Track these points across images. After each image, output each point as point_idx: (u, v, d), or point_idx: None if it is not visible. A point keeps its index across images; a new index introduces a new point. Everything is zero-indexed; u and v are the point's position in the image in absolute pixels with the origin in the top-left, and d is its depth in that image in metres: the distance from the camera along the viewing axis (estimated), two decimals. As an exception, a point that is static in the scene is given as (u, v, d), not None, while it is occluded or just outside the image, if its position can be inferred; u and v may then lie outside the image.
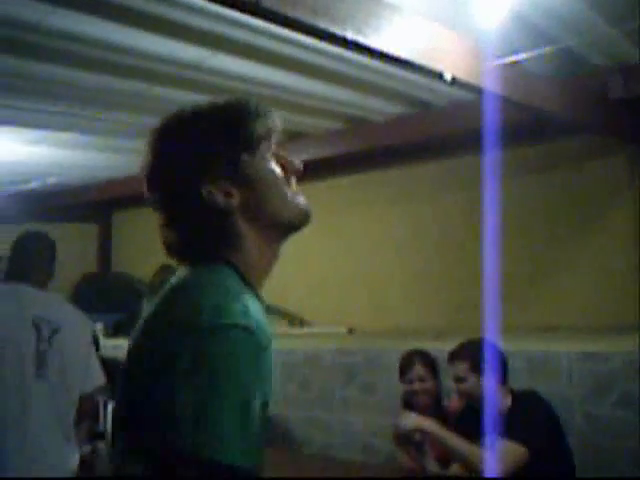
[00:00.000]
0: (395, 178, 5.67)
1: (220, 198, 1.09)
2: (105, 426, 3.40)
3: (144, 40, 3.15)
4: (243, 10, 2.06)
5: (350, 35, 2.23)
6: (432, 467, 3.32)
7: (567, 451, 3.11)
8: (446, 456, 3.22)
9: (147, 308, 1.12)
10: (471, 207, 4.80)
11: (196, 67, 3.52)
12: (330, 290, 5.87)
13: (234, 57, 3.44)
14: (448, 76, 2.67)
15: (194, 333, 0.97)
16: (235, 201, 1.10)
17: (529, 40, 3.33)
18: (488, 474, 2.83)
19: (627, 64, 4.03)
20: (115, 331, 5.88)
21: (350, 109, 4.63)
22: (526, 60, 3.39)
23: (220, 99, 1.16)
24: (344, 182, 5.92)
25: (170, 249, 1.15)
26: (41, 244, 2.95)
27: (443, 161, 5.39)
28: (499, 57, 3.11)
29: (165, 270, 6.92)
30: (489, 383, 3.08)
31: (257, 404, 0.98)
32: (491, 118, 2.86)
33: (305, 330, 5.94)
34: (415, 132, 4.76)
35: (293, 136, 5.15)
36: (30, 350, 2.67)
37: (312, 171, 5.49)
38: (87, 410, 2.97)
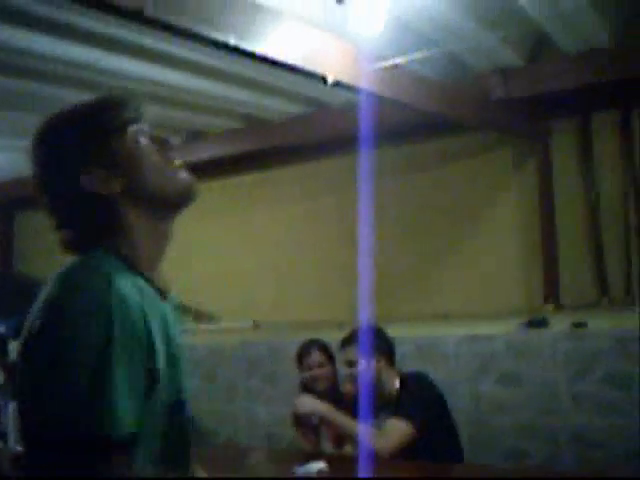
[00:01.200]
0: (296, 175, 5.83)
1: (99, 187, 1.15)
2: (6, 426, 3.40)
3: (38, 42, 3.18)
4: (127, 17, 2.15)
5: (233, 41, 2.36)
6: (328, 448, 3.50)
7: (452, 427, 3.34)
8: (340, 437, 3.41)
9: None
10: (365, 203, 5.00)
11: (90, 67, 3.56)
12: (236, 285, 5.96)
13: (128, 58, 3.50)
14: (330, 79, 2.84)
15: (48, 315, 1.05)
16: (115, 187, 1.16)
17: (412, 44, 3.53)
18: (379, 450, 3.02)
19: (507, 67, 4.32)
20: (16, 334, 5.80)
21: (249, 109, 4.75)
22: (411, 63, 3.59)
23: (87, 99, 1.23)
24: (247, 180, 6.04)
25: (64, 247, 1.21)
26: None
27: (340, 158, 5.58)
28: (383, 60, 3.30)
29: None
30: (377, 366, 3.28)
31: (134, 371, 1.03)
32: (371, 119, 3.05)
33: (211, 326, 6.02)
34: (312, 131, 4.92)
35: (194, 136, 5.24)
36: None
37: (216, 169, 5.63)
38: None
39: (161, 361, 1.13)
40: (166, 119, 4.78)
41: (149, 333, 1.10)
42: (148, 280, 1.18)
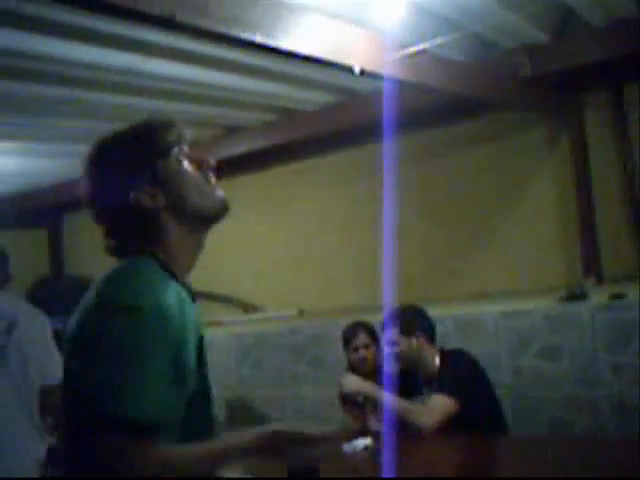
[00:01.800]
0: (330, 163, 5.92)
1: (146, 201, 1.31)
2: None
3: (77, 50, 3.33)
4: (160, 24, 2.28)
5: (259, 39, 2.47)
6: (374, 425, 3.61)
7: (494, 401, 3.41)
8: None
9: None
10: (406, 187, 5.08)
11: (130, 72, 3.71)
12: (280, 275, 6.09)
13: (165, 61, 3.64)
14: (357, 69, 2.93)
15: (101, 314, 1.20)
16: (160, 201, 1.32)
17: (435, 28, 3.60)
18: (423, 426, 3.11)
19: (533, 44, 4.34)
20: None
21: (280, 101, 4.86)
22: (436, 47, 3.66)
23: (134, 123, 1.40)
24: (284, 170, 6.16)
25: (111, 253, 1.37)
26: None
27: (373, 144, 5.63)
28: (407, 46, 3.37)
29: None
30: (418, 345, 3.38)
31: (161, 366, 1.17)
32: (399, 104, 3.13)
33: (258, 315, 6.17)
34: (343, 119, 5.00)
35: (229, 130, 5.37)
36: None
37: (253, 162, 5.76)
38: (50, 402, 3.14)
39: (192, 359, 1.28)
40: (203, 116, 4.93)
41: (182, 333, 1.25)
42: (183, 284, 1.34)
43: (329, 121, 5.14)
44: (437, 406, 3.20)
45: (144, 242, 1.33)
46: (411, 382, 3.44)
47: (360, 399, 3.46)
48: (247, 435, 1.25)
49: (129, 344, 1.16)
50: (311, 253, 6.07)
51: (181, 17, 2.17)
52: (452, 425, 3.17)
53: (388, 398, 3.25)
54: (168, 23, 2.20)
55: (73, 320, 1.28)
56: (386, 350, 3.48)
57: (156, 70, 3.79)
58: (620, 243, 5.14)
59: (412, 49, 3.24)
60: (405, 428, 3.23)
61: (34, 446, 2.98)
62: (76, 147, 5.17)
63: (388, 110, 3.54)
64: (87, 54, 3.33)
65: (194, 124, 5.10)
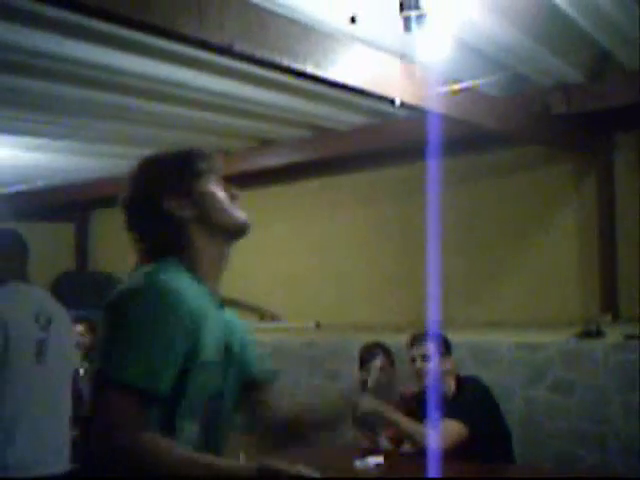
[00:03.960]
0: (360, 182, 6.03)
1: (178, 211, 1.50)
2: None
3: (134, 61, 3.46)
4: (218, 52, 2.40)
5: (310, 70, 2.59)
6: (386, 445, 3.70)
7: (505, 430, 3.49)
8: (398, 436, 3.60)
9: None
10: (430, 211, 5.16)
11: (165, 81, 3.83)
12: (299, 287, 6.19)
13: (204, 74, 3.75)
14: (397, 101, 3.05)
15: (122, 293, 1.39)
16: (189, 213, 1.51)
17: (477, 65, 3.70)
18: (432, 450, 3.20)
19: (569, 84, 4.43)
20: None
21: (315, 119, 4.97)
22: (478, 84, 3.76)
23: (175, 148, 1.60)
24: (313, 185, 6.27)
25: (140, 256, 1.54)
26: (14, 242, 3.14)
27: (401, 168, 5.75)
28: (449, 82, 3.48)
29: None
30: (438, 367, 3.46)
31: (165, 344, 1.33)
32: (434, 134, 3.24)
33: (276, 324, 6.27)
34: (375, 141, 5.11)
35: (264, 143, 5.50)
36: (32, 339, 2.97)
37: (283, 175, 5.87)
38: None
39: (208, 354, 1.44)
40: (239, 128, 5.05)
41: (197, 327, 1.41)
42: (206, 289, 1.52)
43: (360, 141, 5.24)
44: (449, 431, 3.28)
45: (172, 247, 1.50)
46: (425, 404, 3.51)
47: (373, 420, 3.54)
48: (246, 467, 1.31)
49: (136, 320, 1.35)
50: (333, 268, 6.17)
51: (239, 47, 2.29)
52: (461, 451, 3.25)
53: (402, 420, 3.34)
54: (226, 51, 2.32)
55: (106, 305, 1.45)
56: (417, 365, 3.49)
57: (193, 81, 3.89)
58: (638, 284, 5.21)
59: (455, 86, 3.35)
60: (417, 450, 3.32)
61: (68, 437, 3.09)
62: (108, 148, 5.35)
63: (422, 136, 3.66)
64: (141, 65, 3.46)
65: (230, 135, 5.24)
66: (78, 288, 6.83)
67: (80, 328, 4.59)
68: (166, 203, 1.49)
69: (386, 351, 3.92)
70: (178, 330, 1.36)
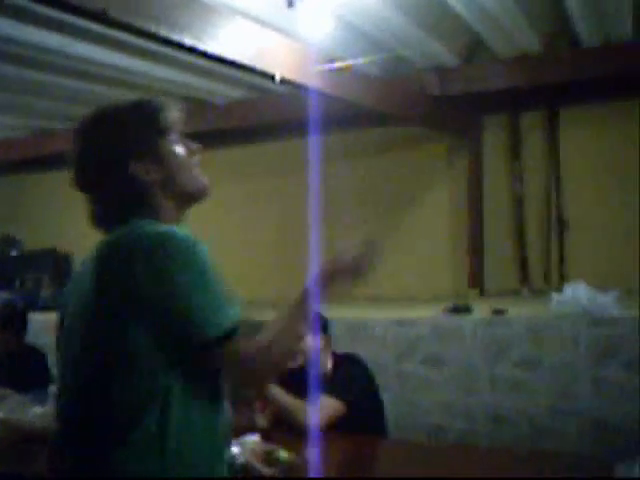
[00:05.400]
0: (235, 157, 5.96)
1: (143, 174, 1.36)
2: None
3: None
4: (92, 19, 2.26)
5: (188, 41, 2.49)
6: (261, 422, 3.69)
7: (380, 405, 3.56)
8: (274, 412, 3.60)
9: (83, 265, 1.35)
10: (303, 188, 5.17)
11: (55, 52, 3.63)
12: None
13: (89, 44, 3.58)
14: (277, 77, 3.00)
15: (161, 252, 1.24)
16: (154, 176, 1.37)
17: (357, 44, 3.72)
18: (310, 426, 3.22)
19: (443, 66, 4.55)
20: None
21: (192, 91, 4.84)
22: (359, 63, 3.78)
23: (134, 98, 1.43)
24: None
25: (97, 221, 1.39)
26: None
27: (282, 143, 5.73)
28: (330, 60, 3.47)
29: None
30: (315, 345, 3.47)
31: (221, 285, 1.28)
32: (314, 110, 3.22)
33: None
34: (254, 116, 5.08)
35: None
36: None
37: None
38: None
39: None
40: (111, 97, 4.83)
41: None
42: None
43: (238, 116, 5.17)
44: (326, 408, 3.30)
45: (135, 212, 1.36)
46: (303, 381, 3.52)
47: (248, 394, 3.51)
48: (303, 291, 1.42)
49: (205, 269, 1.26)
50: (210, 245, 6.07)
51: (114, 13, 2.16)
52: (337, 426, 3.29)
53: (278, 394, 3.33)
54: (100, 17, 2.18)
55: (98, 273, 1.27)
56: None
57: (78, 51, 3.72)
58: (503, 260, 5.48)
59: (336, 64, 3.34)
60: (291, 426, 3.33)
61: None
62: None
63: (302, 112, 3.64)
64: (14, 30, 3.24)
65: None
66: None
67: None
68: (132, 165, 1.35)
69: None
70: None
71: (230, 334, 1.23)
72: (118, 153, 1.36)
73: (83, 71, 4.04)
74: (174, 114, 1.42)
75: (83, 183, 1.39)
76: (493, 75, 4.63)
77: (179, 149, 1.41)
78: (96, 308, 1.26)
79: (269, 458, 2.36)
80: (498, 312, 4.12)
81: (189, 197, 1.44)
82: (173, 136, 1.41)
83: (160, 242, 1.25)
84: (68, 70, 4.03)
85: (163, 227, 1.30)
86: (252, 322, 1.40)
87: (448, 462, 2.38)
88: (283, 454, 2.34)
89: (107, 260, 1.27)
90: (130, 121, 1.39)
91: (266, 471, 2.28)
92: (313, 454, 2.75)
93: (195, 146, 1.44)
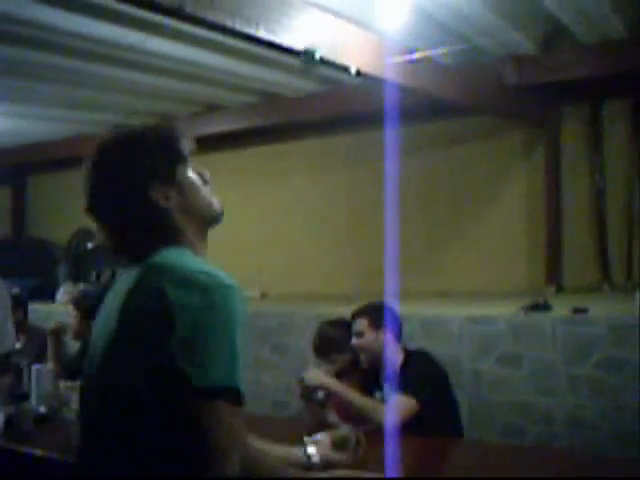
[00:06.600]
0: (308, 149, 5.92)
1: (164, 200, 1.36)
2: (29, 388, 3.56)
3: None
4: (168, 14, 2.25)
5: (263, 34, 2.47)
6: (333, 421, 3.65)
7: (454, 404, 3.48)
8: (347, 411, 3.56)
9: (116, 288, 1.36)
10: (383, 181, 5.10)
11: (130, 49, 3.67)
12: (246, 256, 6.09)
13: (163, 40, 3.61)
14: (353, 69, 2.94)
15: (200, 289, 1.21)
16: (173, 203, 1.37)
17: (434, 35, 3.63)
18: (384, 425, 3.17)
19: (521, 55, 4.40)
20: (30, 296, 5.92)
21: (264, 85, 4.84)
22: (435, 54, 3.68)
23: (148, 124, 1.47)
24: (260, 152, 6.14)
25: (118, 251, 1.39)
26: None
27: (354, 135, 5.67)
28: (406, 51, 3.39)
29: (83, 234, 6.96)
30: (385, 340, 3.41)
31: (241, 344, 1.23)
32: (392, 103, 3.16)
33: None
34: (325, 108, 5.01)
35: (211, 108, 5.34)
36: None
37: (232, 141, 5.72)
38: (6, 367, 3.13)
39: None
40: (184, 92, 4.88)
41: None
42: None
43: (310, 108, 5.14)
44: (399, 406, 3.24)
45: (160, 240, 1.35)
46: (372, 379, 3.47)
47: (321, 394, 3.47)
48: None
49: (229, 320, 1.22)
50: (280, 236, 6.08)
51: (190, 8, 2.15)
52: (411, 425, 3.23)
53: (350, 395, 3.28)
54: (176, 13, 2.18)
55: (124, 302, 1.26)
56: (353, 341, 3.47)
57: (153, 47, 3.75)
58: (583, 255, 5.29)
59: (411, 56, 3.26)
60: (365, 425, 3.28)
61: None
62: (48, 111, 5.10)
63: (376, 105, 3.57)
64: (87, 27, 3.29)
65: (175, 100, 5.06)
66: (12, 256, 6.58)
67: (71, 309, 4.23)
68: (152, 193, 1.35)
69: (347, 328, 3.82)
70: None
71: (230, 394, 1.19)
72: (139, 179, 1.37)
73: (159, 67, 4.07)
74: (190, 143, 1.45)
75: (101, 211, 1.39)
76: (574, 63, 4.45)
77: (196, 177, 1.44)
78: (119, 334, 1.26)
79: (338, 444, 2.37)
80: (579, 311, 3.97)
81: (205, 221, 1.45)
82: (190, 164, 1.43)
83: (206, 290, 1.22)
84: (145, 66, 4.07)
85: (205, 266, 1.28)
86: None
87: (527, 464, 2.30)
88: (346, 433, 2.35)
89: (147, 293, 1.25)
90: (151, 147, 1.40)
91: (339, 458, 2.28)
92: (389, 454, 2.71)
93: (207, 175, 1.46)
